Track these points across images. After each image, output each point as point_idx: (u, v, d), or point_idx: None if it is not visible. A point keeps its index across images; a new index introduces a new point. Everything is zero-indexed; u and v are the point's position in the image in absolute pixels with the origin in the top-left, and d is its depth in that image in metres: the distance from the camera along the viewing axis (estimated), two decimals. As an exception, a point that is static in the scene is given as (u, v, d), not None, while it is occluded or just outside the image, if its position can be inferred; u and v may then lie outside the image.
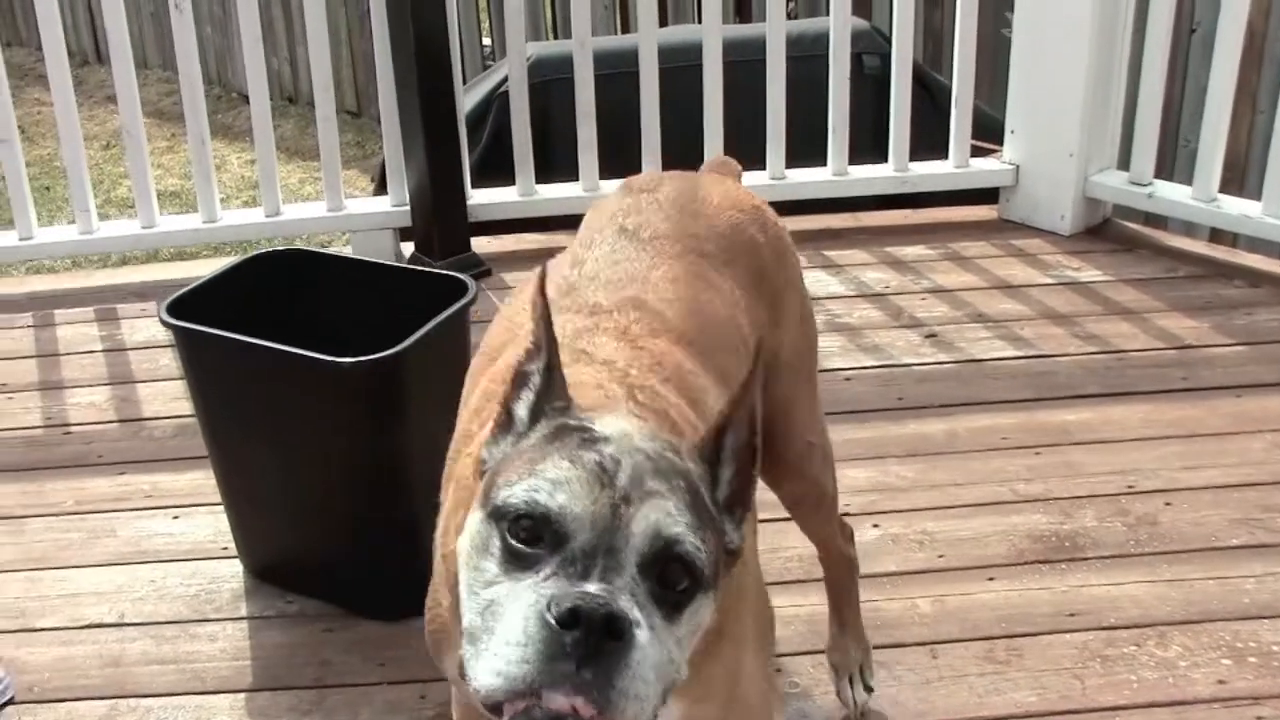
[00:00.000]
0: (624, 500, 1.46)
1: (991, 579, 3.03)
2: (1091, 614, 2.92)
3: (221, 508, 3.19)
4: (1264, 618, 2.90)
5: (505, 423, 1.63)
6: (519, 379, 1.63)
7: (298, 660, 2.91)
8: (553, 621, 1.37)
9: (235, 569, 3.18)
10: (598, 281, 2.08)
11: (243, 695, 2.83)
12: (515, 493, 1.47)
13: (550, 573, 1.43)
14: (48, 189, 8.14)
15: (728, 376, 1.99)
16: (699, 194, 2.38)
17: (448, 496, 1.92)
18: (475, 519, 1.53)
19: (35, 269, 5.85)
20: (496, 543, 1.48)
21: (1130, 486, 3.36)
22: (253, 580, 3.15)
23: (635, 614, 1.41)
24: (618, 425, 1.57)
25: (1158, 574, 3.04)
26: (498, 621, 1.43)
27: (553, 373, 1.61)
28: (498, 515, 1.48)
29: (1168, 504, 3.29)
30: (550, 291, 1.77)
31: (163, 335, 4.20)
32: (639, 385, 1.80)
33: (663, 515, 1.46)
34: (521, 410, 1.62)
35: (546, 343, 1.61)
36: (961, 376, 3.92)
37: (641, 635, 1.41)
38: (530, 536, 1.46)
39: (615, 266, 2.12)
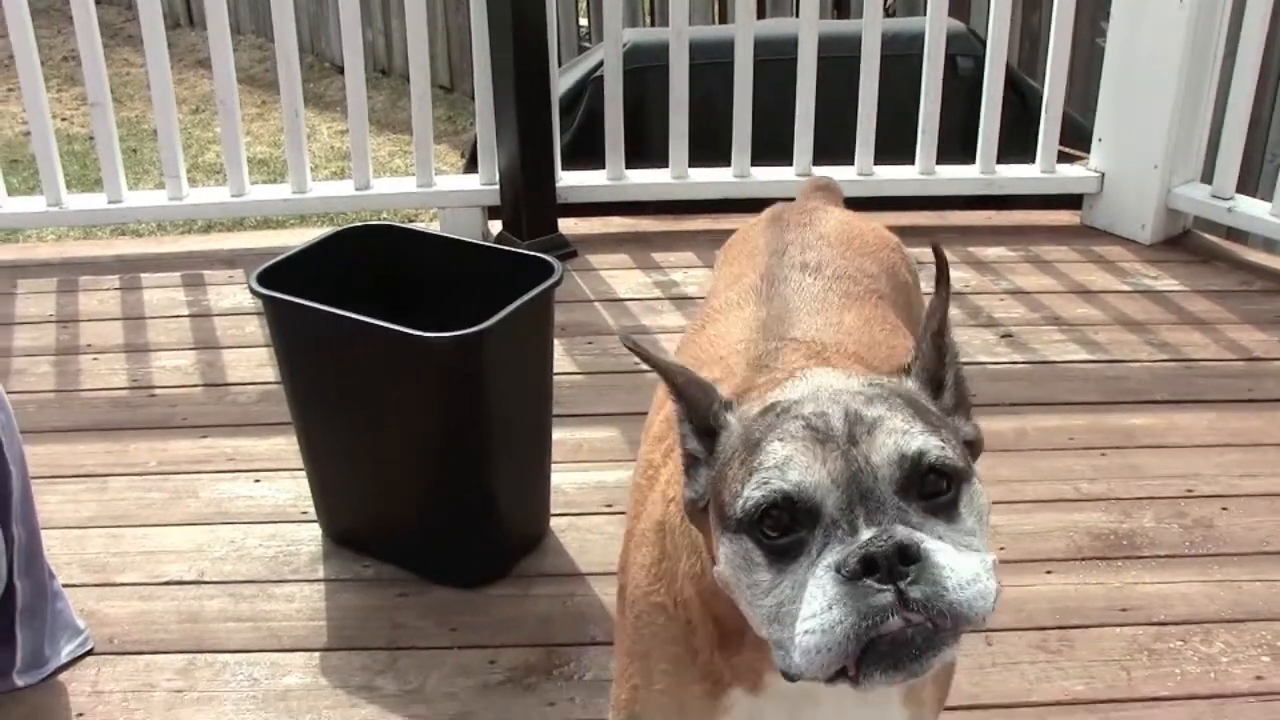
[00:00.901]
0: (851, 442, 1.46)
1: (1049, 572, 3.20)
2: (1142, 609, 3.09)
3: (302, 473, 3.36)
4: (1304, 620, 3.09)
5: (690, 463, 1.62)
6: (675, 420, 1.64)
7: (371, 623, 3.09)
8: (850, 578, 1.39)
9: (314, 533, 3.36)
10: (788, 319, 2.10)
11: (317, 654, 3.00)
12: (748, 497, 1.46)
13: (820, 547, 1.43)
14: (134, 151, 8.31)
15: None
16: (854, 228, 2.48)
17: (634, 524, 1.96)
18: (725, 545, 1.52)
19: (120, 232, 6.05)
20: (756, 551, 1.47)
21: (1190, 490, 3.53)
22: (331, 545, 3.32)
23: (918, 536, 1.41)
24: (808, 383, 1.58)
25: (1209, 574, 3.21)
26: (796, 614, 1.42)
27: (690, 387, 1.61)
28: (743, 526, 1.47)
29: (1224, 509, 3.46)
30: (738, 333, 1.97)
31: (249, 302, 4.43)
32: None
33: (896, 437, 1.46)
34: (692, 443, 1.62)
35: (667, 371, 1.63)
36: (1034, 377, 4.09)
37: (934, 545, 1.41)
38: (783, 528, 1.45)
39: (805, 304, 2.14)
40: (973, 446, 1.62)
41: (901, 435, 1.46)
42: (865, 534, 1.40)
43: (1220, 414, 3.89)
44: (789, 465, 1.45)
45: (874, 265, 2.37)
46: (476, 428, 3.05)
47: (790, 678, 1.45)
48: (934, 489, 1.46)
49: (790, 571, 1.44)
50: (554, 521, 3.37)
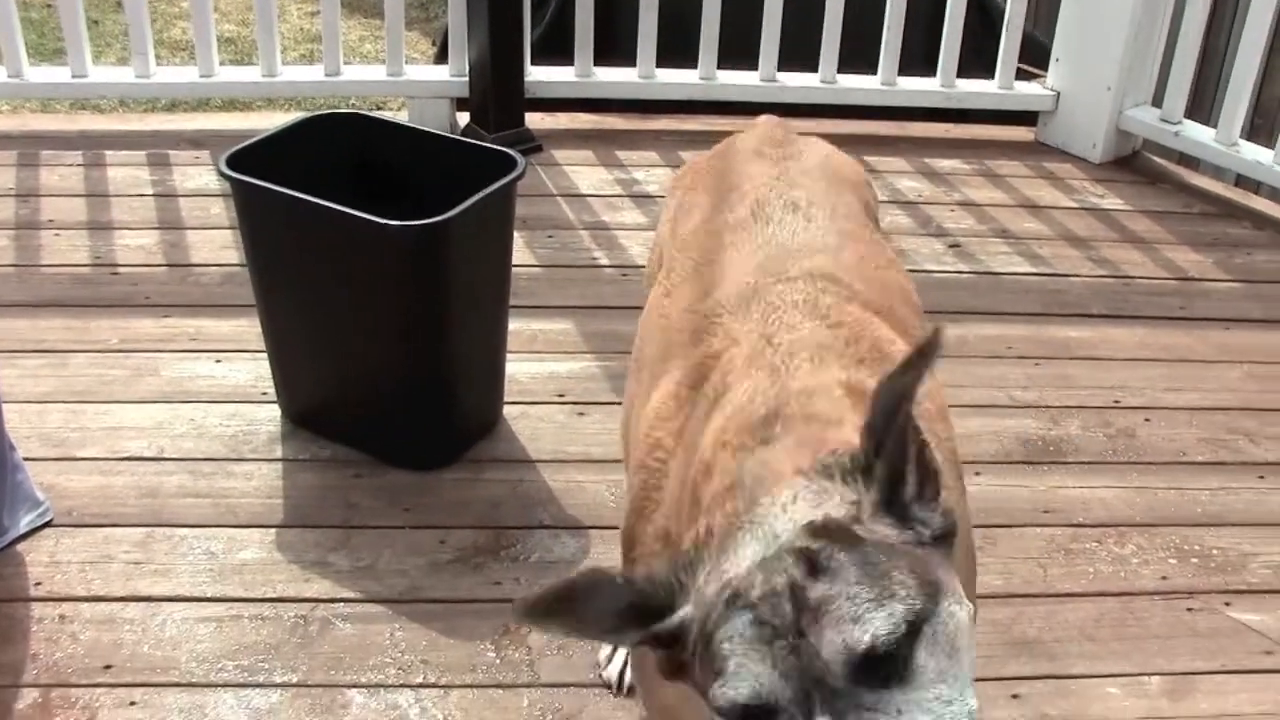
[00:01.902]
0: (799, 635, 1.40)
1: (978, 474, 3.37)
2: (1062, 512, 3.30)
3: (263, 355, 3.48)
4: (1211, 525, 3.31)
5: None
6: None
7: (327, 502, 3.24)
8: None
9: (273, 414, 3.49)
10: (784, 257, 2.12)
11: (273, 530, 3.15)
12: (713, 699, 1.43)
13: None
14: (96, 23, 8.17)
15: (913, 337, 2.02)
16: (835, 161, 2.55)
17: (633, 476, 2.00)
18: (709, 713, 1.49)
19: (80, 106, 6.05)
20: None
21: (1116, 401, 3.73)
22: (289, 426, 3.46)
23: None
24: (753, 548, 1.50)
25: (1127, 481, 3.43)
26: None
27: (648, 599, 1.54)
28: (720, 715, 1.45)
29: (1147, 420, 3.67)
30: (736, 271, 2.03)
31: (215, 184, 4.51)
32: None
33: (844, 631, 1.39)
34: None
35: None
36: (978, 287, 4.27)
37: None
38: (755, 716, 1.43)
39: (802, 248, 2.15)
40: (944, 537, 1.54)
41: (850, 626, 1.39)
42: None
43: (1151, 330, 4.09)
44: (741, 677, 1.41)
45: (856, 200, 2.45)
46: (435, 315, 3.19)
47: None
48: (897, 662, 1.40)
49: None
50: (507, 409, 3.52)
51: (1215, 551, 3.23)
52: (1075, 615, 3.01)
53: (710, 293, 2.11)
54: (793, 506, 1.51)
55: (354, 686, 2.75)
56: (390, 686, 2.75)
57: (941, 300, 4.07)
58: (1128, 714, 2.79)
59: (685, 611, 1.51)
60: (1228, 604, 3.07)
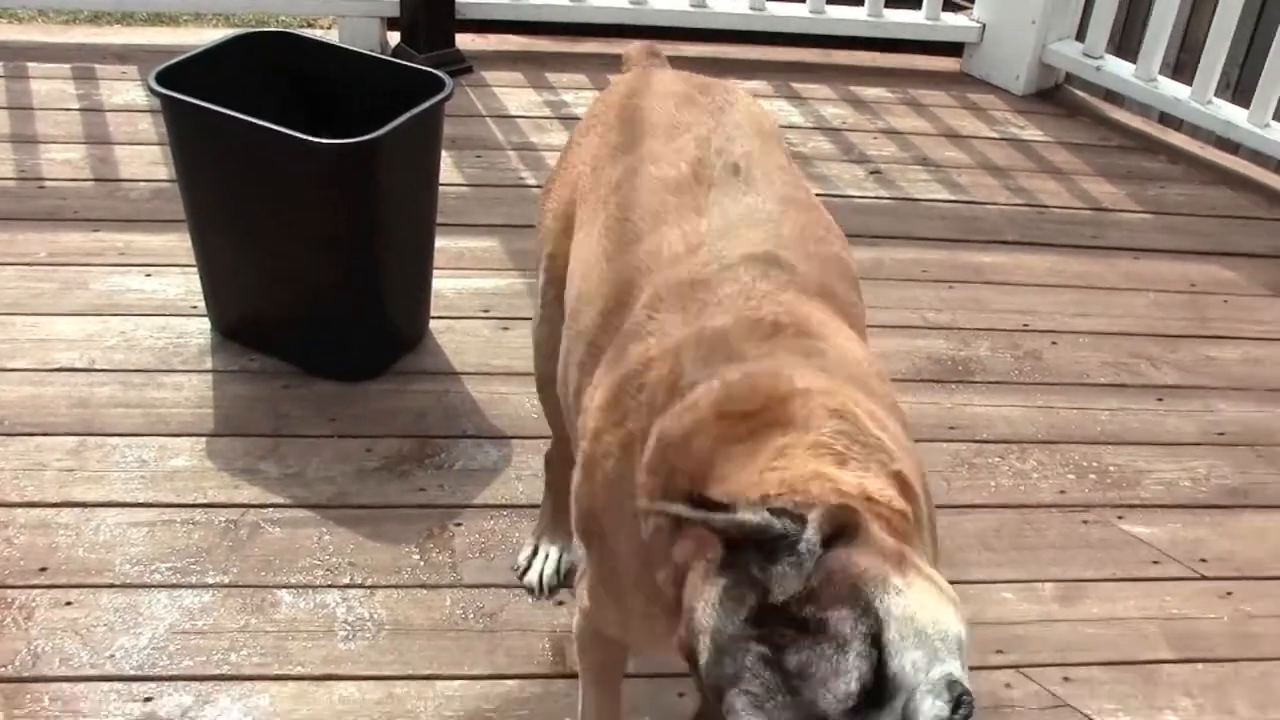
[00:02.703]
0: (792, 691, 1.48)
1: (889, 391, 3.57)
2: (968, 428, 3.51)
3: (193, 269, 3.58)
4: (1109, 443, 3.53)
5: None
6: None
7: (256, 412, 3.37)
8: None
9: (203, 327, 3.60)
10: (727, 231, 2.13)
11: (203, 439, 3.27)
12: None
13: None
14: None
15: (851, 314, 2.14)
16: (758, 112, 2.55)
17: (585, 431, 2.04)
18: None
19: None
20: None
21: (1025, 325, 3.94)
22: (219, 338, 3.57)
23: None
24: (709, 641, 1.57)
25: (1031, 400, 3.64)
26: None
27: None
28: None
29: (1054, 343, 3.88)
30: (679, 247, 2.05)
31: (142, 100, 4.58)
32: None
33: (830, 686, 1.47)
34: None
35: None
36: (897, 213, 4.45)
37: None
38: None
39: (745, 217, 2.16)
40: (830, 536, 1.57)
41: (834, 681, 1.47)
42: None
43: (1063, 257, 4.29)
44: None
45: (781, 154, 2.45)
46: (362, 232, 3.31)
47: None
48: (879, 691, 1.48)
49: None
50: (433, 324, 3.65)
51: (1112, 468, 3.44)
52: (975, 525, 3.22)
53: (647, 274, 2.11)
54: (719, 606, 1.55)
55: (283, 587, 2.90)
56: (318, 587, 2.91)
57: (860, 225, 4.23)
58: (1022, 617, 3.00)
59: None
60: (1120, 517, 3.29)
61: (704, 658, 1.56)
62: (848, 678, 1.47)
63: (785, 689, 1.49)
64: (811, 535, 1.53)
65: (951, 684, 1.50)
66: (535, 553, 2.99)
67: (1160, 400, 3.73)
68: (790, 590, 1.51)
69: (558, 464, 2.87)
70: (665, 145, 2.33)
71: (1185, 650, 2.98)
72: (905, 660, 1.49)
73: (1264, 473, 3.53)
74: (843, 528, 1.56)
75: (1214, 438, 3.63)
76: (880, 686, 1.48)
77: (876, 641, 1.49)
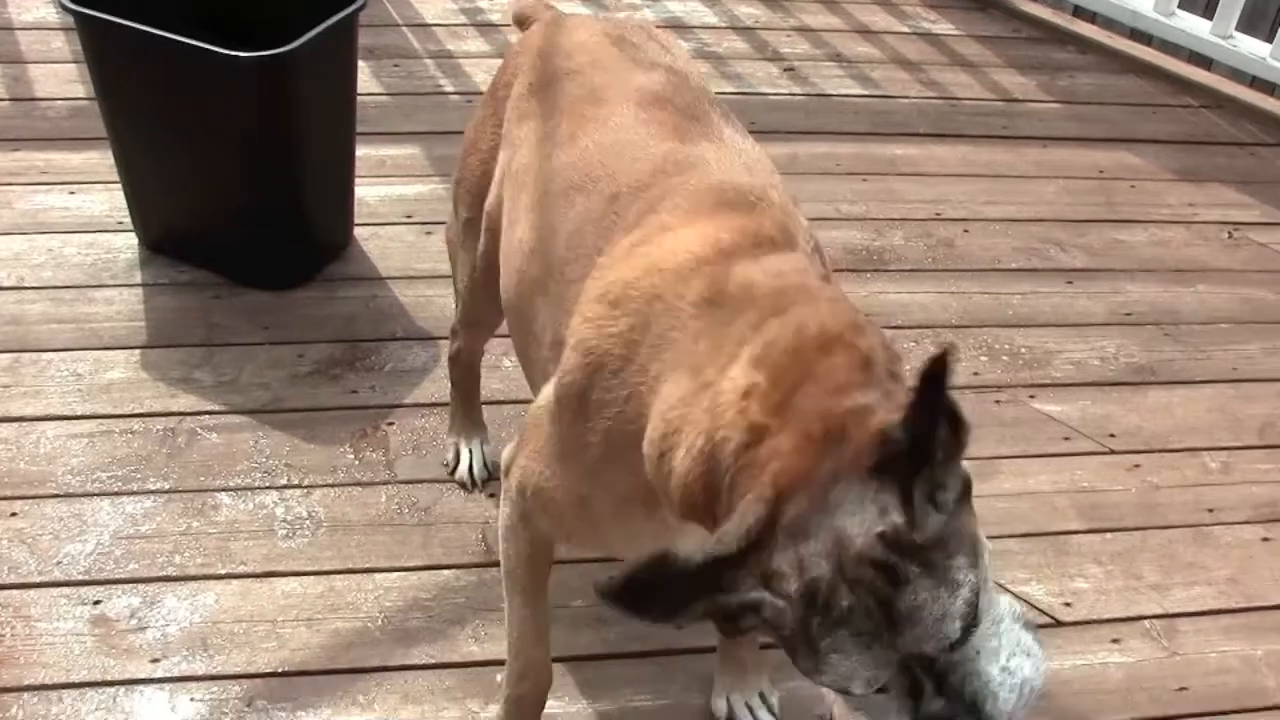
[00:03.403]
0: (896, 632, 1.55)
1: (805, 282, 3.69)
2: (884, 315, 3.63)
3: (117, 185, 3.64)
4: (1020, 326, 3.69)
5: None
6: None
7: (188, 323, 3.45)
8: None
9: (130, 241, 3.66)
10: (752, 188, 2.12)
11: (137, 351, 3.35)
12: (831, 687, 1.61)
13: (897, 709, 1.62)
14: None
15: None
16: (675, 43, 2.58)
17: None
18: None
19: None
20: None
21: (938, 214, 4.08)
22: (147, 252, 3.63)
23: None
24: (824, 543, 1.57)
25: (945, 287, 3.79)
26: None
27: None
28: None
29: (966, 231, 4.03)
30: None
31: (54, 17, 4.58)
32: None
33: (935, 629, 1.55)
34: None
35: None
36: (809, 108, 4.55)
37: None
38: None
39: (740, 164, 2.18)
40: (965, 493, 1.64)
41: (940, 624, 1.55)
42: (929, 697, 1.60)
43: (974, 147, 4.43)
44: (853, 679, 1.58)
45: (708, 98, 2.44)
46: (283, 143, 3.39)
47: None
48: (969, 631, 1.59)
49: (863, 698, 1.63)
50: (358, 231, 3.75)
51: (1023, 350, 3.60)
52: (891, 408, 3.35)
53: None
54: (857, 510, 1.56)
55: (223, 490, 3.00)
56: (256, 489, 3.01)
57: (775, 121, 4.34)
58: (937, 494, 3.15)
59: (762, 596, 1.58)
60: (1032, 396, 3.45)
61: (810, 571, 1.56)
62: (954, 625, 1.56)
63: (892, 627, 1.55)
64: (959, 475, 1.61)
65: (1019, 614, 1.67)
66: (459, 451, 3.11)
67: (1070, 283, 3.88)
68: (931, 530, 1.56)
69: (463, 362, 3.05)
70: (615, 108, 2.32)
71: (1094, 521, 3.15)
72: (986, 598, 1.62)
73: (1170, 350, 3.70)
74: (968, 490, 1.65)
75: (1122, 318, 3.79)
76: (972, 627, 1.60)
77: (978, 591, 1.58)
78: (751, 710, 2.65)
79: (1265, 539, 3.17)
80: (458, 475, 3.08)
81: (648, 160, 2.17)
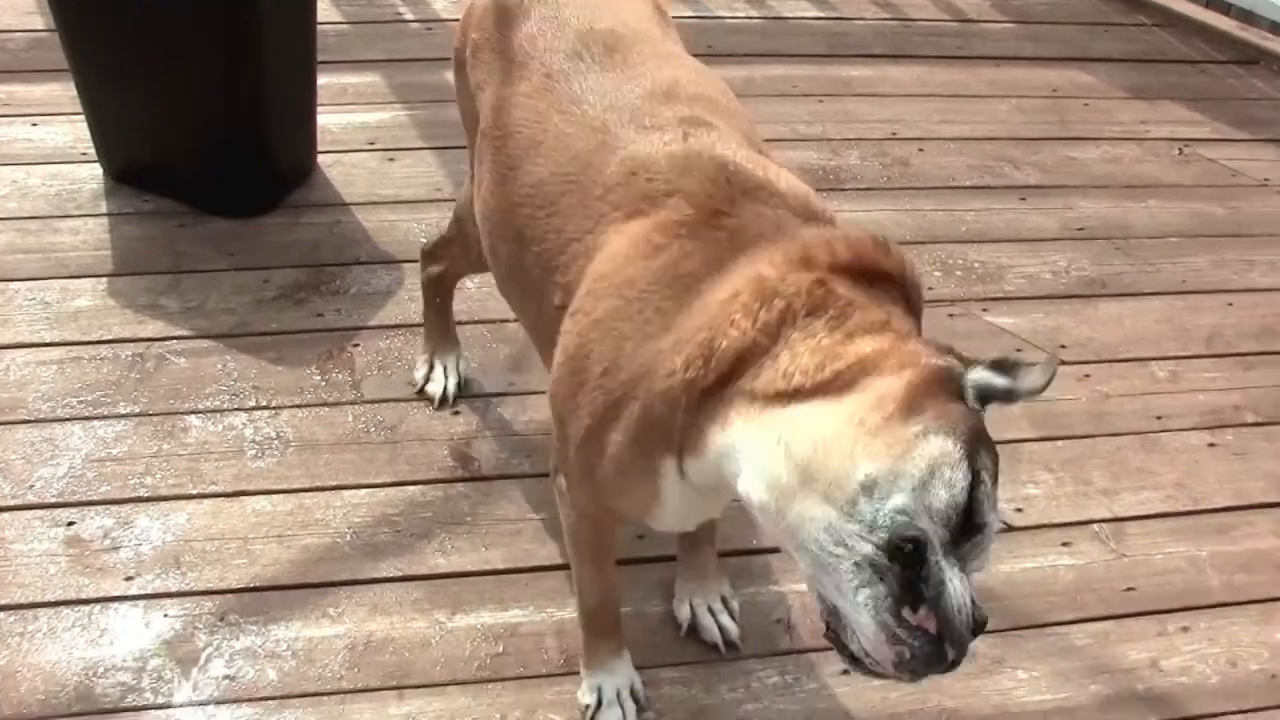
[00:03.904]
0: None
1: (763, 205, 3.73)
2: (839, 233, 3.66)
3: (79, 116, 3.64)
4: (973, 242, 3.75)
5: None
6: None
7: (153, 251, 3.46)
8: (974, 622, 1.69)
9: (94, 172, 3.67)
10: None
11: (104, 279, 3.36)
12: (982, 503, 1.69)
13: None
14: None
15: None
16: None
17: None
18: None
19: None
20: (962, 505, 1.68)
21: (893, 133, 4.12)
22: (111, 182, 3.64)
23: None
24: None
25: (900, 204, 3.83)
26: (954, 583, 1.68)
27: None
28: (970, 488, 1.68)
29: (921, 150, 4.07)
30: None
31: (11, -51, 4.54)
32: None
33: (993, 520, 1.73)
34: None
35: None
36: (767, 31, 4.58)
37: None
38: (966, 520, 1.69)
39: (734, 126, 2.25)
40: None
41: (994, 515, 1.72)
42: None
43: (929, 68, 4.47)
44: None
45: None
46: (246, 70, 3.40)
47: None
48: None
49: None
50: (321, 158, 3.76)
51: (977, 265, 3.65)
52: (847, 324, 3.41)
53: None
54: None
55: (192, 413, 3.03)
56: (225, 411, 3.05)
57: (732, 44, 4.37)
58: (891, 405, 3.20)
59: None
60: (985, 310, 3.51)
61: (923, 473, 1.67)
62: (999, 511, 1.72)
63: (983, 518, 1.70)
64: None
65: None
66: (432, 368, 3.14)
67: (1023, 200, 3.94)
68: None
69: (446, 286, 3.06)
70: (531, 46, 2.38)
71: (1046, 429, 3.21)
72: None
73: (1121, 264, 3.76)
74: None
75: (1074, 233, 3.85)
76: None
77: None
78: (713, 614, 2.70)
79: (1211, 444, 3.25)
80: (429, 390, 3.11)
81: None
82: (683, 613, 2.70)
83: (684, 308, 1.91)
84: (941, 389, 1.72)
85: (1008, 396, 1.77)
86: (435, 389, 3.11)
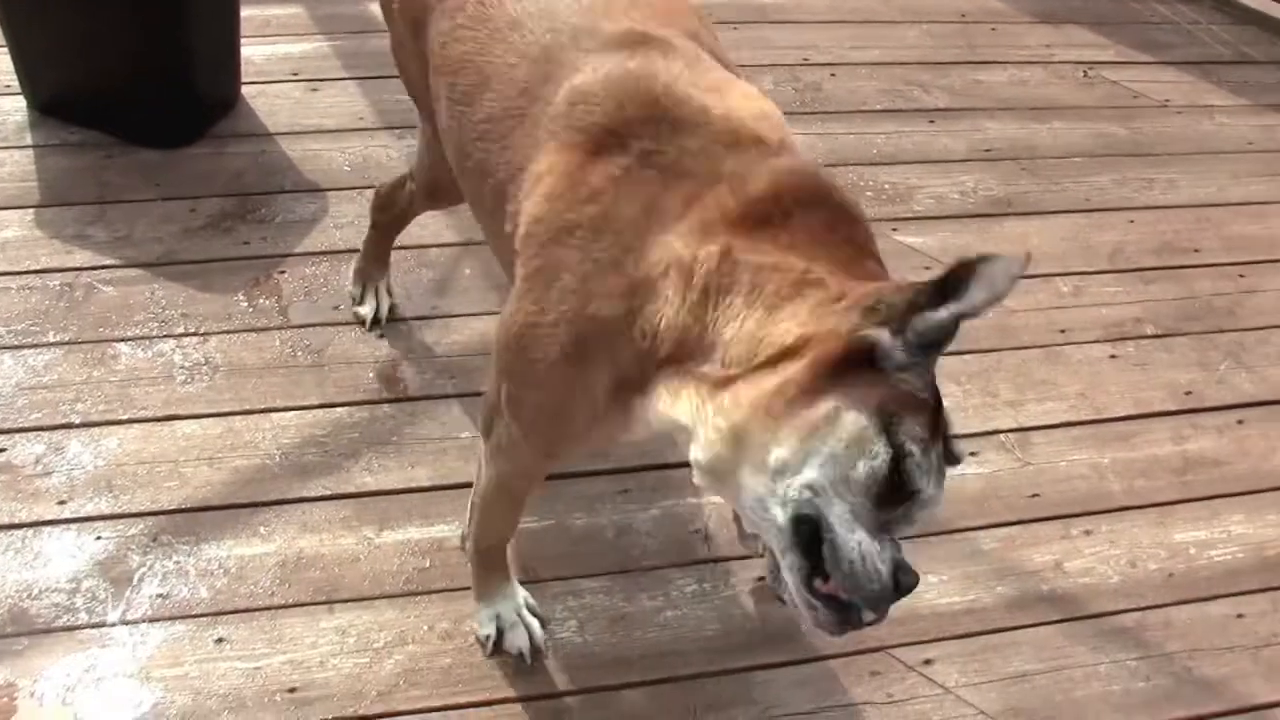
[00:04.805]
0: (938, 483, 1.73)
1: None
2: (753, 159, 3.68)
3: (2, 50, 3.59)
4: (884, 164, 3.78)
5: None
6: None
7: (81, 182, 3.43)
8: (895, 586, 1.69)
9: (19, 104, 3.61)
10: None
11: (31, 210, 3.33)
12: (912, 473, 1.68)
13: (891, 525, 1.71)
14: None
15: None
16: None
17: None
18: (860, 424, 1.68)
19: None
20: (885, 464, 1.67)
21: (805, 59, 4.13)
22: (36, 114, 3.59)
23: None
24: None
25: (812, 128, 3.85)
26: (853, 534, 1.68)
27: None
28: (900, 458, 1.67)
29: (833, 75, 4.09)
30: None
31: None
32: None
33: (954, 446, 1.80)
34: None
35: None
36: (683, -38, 4.55)
37: None
38: (900, 486, 1.69)
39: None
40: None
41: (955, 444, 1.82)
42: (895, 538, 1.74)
43: (842, -5, 4.49)
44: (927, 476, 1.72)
45: None
46: (170, 2, 3.35)
47: (796, 533, 1.73)
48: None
49: (876, 501, 1.70)
50: (245, 89, 3.72)
51: (887, 186, 3.69)
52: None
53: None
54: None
55: (121, 340, 3.02)
56: (154, 338, 3.03)
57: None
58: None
59: None
60: (895, 230, 3.54)
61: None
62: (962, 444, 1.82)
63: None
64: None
65: None
66: (366, 292, 3.14)
67: (932, 122, 3.97)
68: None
69: (400, 215, 3.02)
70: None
71: (953, 344, 3.23)
72: None
73: (1027, 183, 3.80)
74: None
75: (982, 154, 3.89)
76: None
77: None
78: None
79: (1113, 356, 3.31)
80: (363, 313, 3.12)
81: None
82: (754, 545, 2.72)
83: (622, 262, 1.88)
84: (851, 362, 1.68)
85: (956, 322, 1.66)
86: (367, 311, 3.12)
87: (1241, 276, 3.66)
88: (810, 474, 1.67)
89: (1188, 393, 3.29)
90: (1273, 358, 3.42)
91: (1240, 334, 3.48)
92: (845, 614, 1.73)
